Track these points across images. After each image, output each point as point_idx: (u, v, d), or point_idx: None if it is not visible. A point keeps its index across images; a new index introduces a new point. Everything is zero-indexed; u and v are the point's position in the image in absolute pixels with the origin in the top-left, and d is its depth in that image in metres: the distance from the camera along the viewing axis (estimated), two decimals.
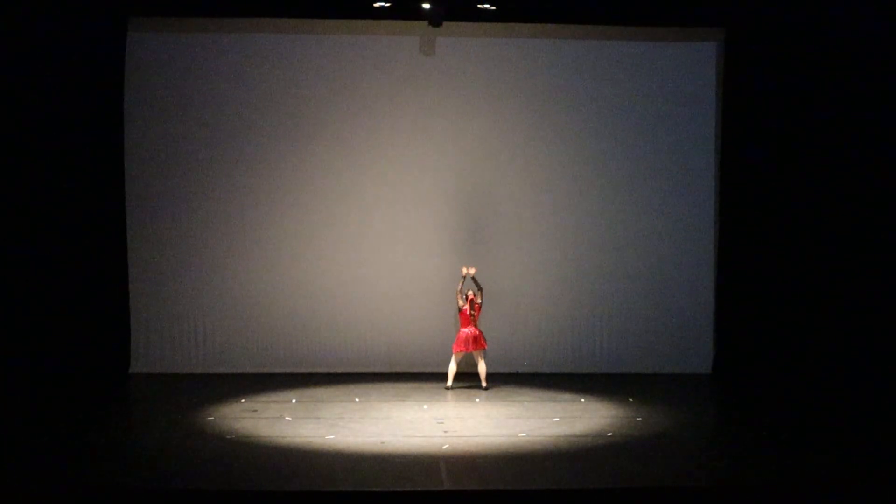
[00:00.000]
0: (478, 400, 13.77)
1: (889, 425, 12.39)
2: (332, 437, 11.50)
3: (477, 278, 14.62)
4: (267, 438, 11.43)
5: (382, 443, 11.24)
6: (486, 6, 14.36)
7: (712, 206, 15.97)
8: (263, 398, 13.66)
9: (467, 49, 15.85)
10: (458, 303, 14.51)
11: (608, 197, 15.94)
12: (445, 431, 11.81)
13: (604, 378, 15.33)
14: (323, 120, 15.74)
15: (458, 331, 14.55)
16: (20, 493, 9.41)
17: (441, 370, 14.73)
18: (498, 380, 14.93)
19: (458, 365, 14.52)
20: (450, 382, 14.45)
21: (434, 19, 14.31)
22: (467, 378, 14.74)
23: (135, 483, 9.80)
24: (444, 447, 11.10)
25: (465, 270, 14.57)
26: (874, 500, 9.58)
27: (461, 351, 14.43)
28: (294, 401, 13.53)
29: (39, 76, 14.92)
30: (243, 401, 13.48)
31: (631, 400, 13.64)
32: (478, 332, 14.45)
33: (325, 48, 15.74)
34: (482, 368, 14.47)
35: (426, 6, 14.25)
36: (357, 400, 13.65)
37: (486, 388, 14.33)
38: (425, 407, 13.25)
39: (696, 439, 11.83)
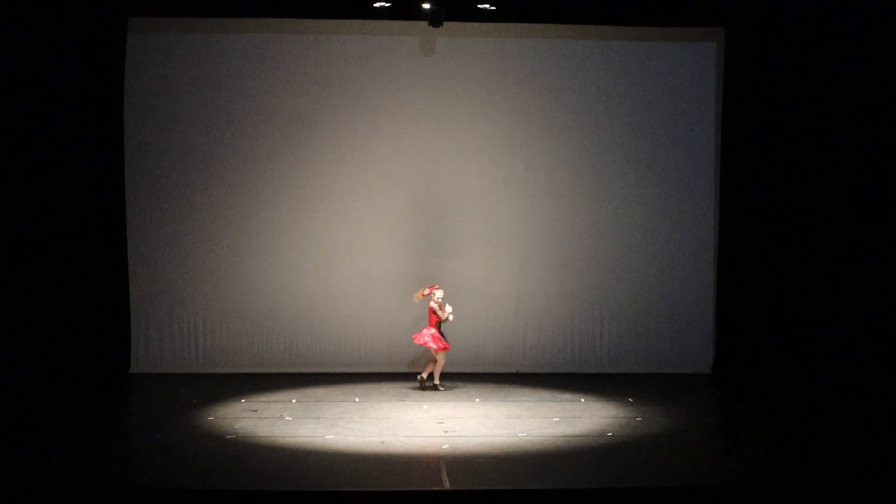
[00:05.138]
0: (478, 400, 13.78)
1: (889, 425, 12.39)
2: (332, 437, 11.51)
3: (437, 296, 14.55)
4: (267, 438, 11.44)
5: (382, 443, 11.24)
6: (486, 6, 14.36)
7: (712, 206, 15.99)
8: (263, 398, 13.67)
9: (467, 49, 15.85)
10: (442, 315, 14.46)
11: (608, 196, 15.94)
12: (445, 431, 11.81)
13: (604, 378, 15.34)
14: (323, 120, 15.74)
15: (431, 331, 14.45)
16: (20, 493, 9.41)
17: (444, 370, 14.69)
18: (498, 380, 14.92)
19: (429, 362, 14.52)
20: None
21: (434, 19, 14.31)
22: (465, 378, 14.74)
23: (135, 483, 9.80)
24: (444, 447, 11.11)
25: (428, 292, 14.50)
26: (874, 500, 9.58)
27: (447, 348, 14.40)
28: (294, 401, 13.54)
29: (39, 76, 14.91)
30: (243, 401, 13.49)
31: (631, 400, 13.64)
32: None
33: (325, 48, 15.74)
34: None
35: (426, 6, 14.26)
36: (357, 400, 13.65)
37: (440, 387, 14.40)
38: (425, 407, 13.25)
39: (696, 439, 11.83)
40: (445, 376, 14.62)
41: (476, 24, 15.55)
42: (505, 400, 13.75)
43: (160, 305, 15.62)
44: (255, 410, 12.93)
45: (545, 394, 14.14)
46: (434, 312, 14.31)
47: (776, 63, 15.39)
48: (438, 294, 14.37)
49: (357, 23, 15.58)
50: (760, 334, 15.53)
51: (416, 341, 14.43)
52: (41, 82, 14.92)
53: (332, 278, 15.76)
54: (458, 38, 15.77)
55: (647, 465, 10.46)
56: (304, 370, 15.51)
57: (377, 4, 14.34)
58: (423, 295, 14.39)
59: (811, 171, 15.36)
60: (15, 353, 14.66)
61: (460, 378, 14.80)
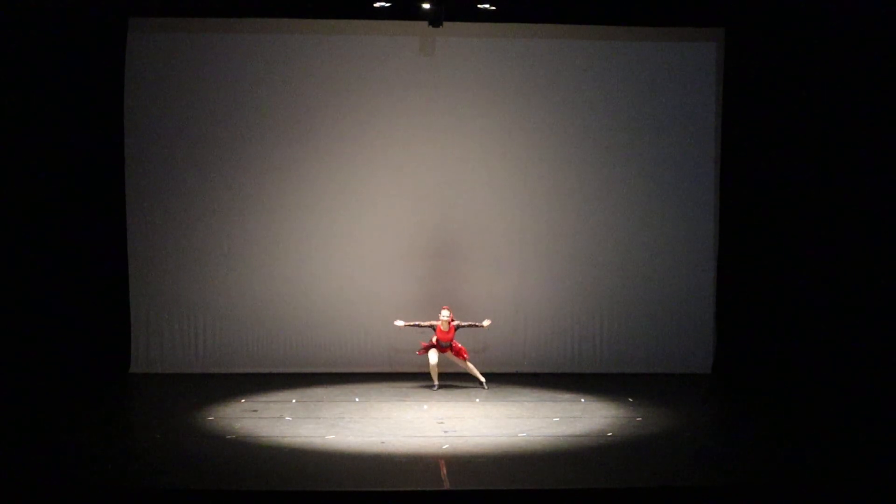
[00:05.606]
0: (478, 400, 13.78)
1: (889, 425, 12.39)
2: (332, 437, 11.50)
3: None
4: (267, 438, 11.43)
5: (382, 443, 11.24)
6: (486, 6, 14.37)
7: (712, 206, 15.98)
8: (263, 398, 13.67)
9: (467, 49, 15.84)
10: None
11: (608, 197, 15.94)
12: (445, 431, 11.81)
13: (604, 378, 15.33)
14: (323, 120, 15.74)
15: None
16: (20, 493, 9.41)
17: (441, 370, 14.69)
18: (498, 380, 14.92)
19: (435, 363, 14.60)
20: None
21: (434, 19, 14.32)
22: (465, 378, 14.73)
23: (135, 483, 9.80)
24: (444, 447, 11.11)
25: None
26: (874, 500, 9.58)
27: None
28: (294, 401, 13.53)
29: (39, 76, 14.92)
30: (243, 401, 13.48)
31: (631, 400, 13.64)
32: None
33: (325, 48, 15.74)
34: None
35: (426, 6, 14.26)
36: (357, 400, 13.65)
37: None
38: (425, 407, 13.25)
39: (696, 439, 11.83)
40: (446, 376, 14.63)
41: (476, 24, 15.55)
42: (505, 400, 13.75)
43: (160, 305, 15.62)
44: (255, 410, 12.93)
45: (545, 394, 14.14)
46: (443, 332, 14.38)
47: (776, 63, 15.39)
48: (444, 314, 14.44)
49: (357, 23, 15.58)
50: (760, 334, 15.54)
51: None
52: (41, 82, 14.94)
53: (332, 278, 15.76)
54: (458, 38, 15.76)
55: (647, 465, 10.46)
56: (304, 370, 15.50)
57: (377, 4, 14.34)
58: (450, 324, 14.45)
59: (811, 170, 15.37)
60: (15, 352, 14.69)
61: (461, 378, 14.80)
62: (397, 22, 15.32)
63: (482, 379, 14.50)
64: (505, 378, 15.13)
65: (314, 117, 15.73)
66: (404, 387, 14.56)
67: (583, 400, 13.72)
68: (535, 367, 15.77)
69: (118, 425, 12.42)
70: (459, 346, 14.55)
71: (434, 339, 14.48)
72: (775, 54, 15.39)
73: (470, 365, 14.55)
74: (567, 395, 14.00)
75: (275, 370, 15.47)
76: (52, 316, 15.00)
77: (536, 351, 15.89)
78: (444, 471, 10.21)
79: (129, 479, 9.94)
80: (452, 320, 14.48)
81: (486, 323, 14.63)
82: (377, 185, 15.80)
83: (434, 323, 14.49)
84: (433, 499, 9.47)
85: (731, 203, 15.75)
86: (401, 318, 14.80)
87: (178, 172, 15.62)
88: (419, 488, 9.60)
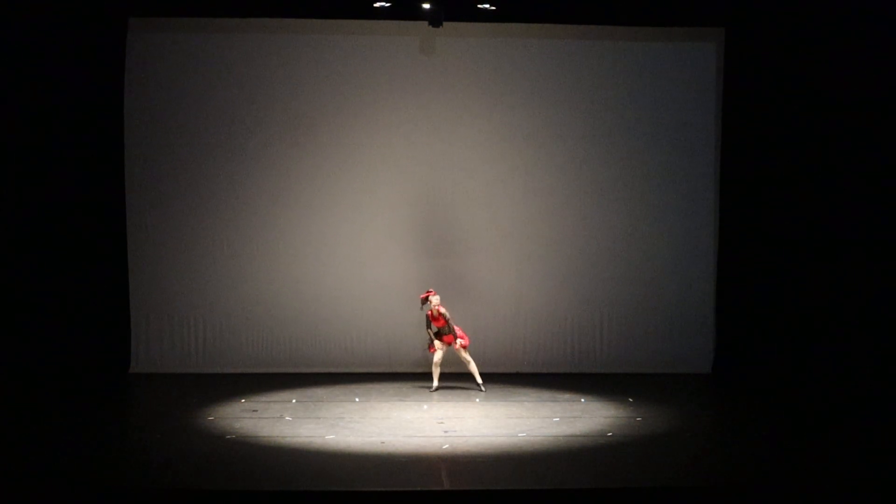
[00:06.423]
0: (478, 400, 13.78)
1: (889, 425, 12.39)
2: (332, 437, 11.50)
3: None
4: (267, 438, 11.44)
5: (382, 443, 11.24)
6: (486, 6, 14.38)
7: (712, 206, 15.97)
8: (263, 398, 13.67)
9: (467, 49, 15.84)
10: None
11: (608, 197, 15.93)
12: (445, 431, 11.81)
13: (604, 378, 15.33)
14: (323, 120, 15.74)
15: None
16: (20, 493, 9.41)
17: (442, 370, 14.67)
18: (498, 380, 14.92)
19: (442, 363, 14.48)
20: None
21: (434, 19, 14.32)
22: (465, 378, 14.74)
23: (135, 483, 9.80)
24: (444, 447, 11.11)
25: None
26: (874, 500, 9.58)
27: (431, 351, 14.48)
28: (294, 401, 13.54)
29: (40, 76, 14.93)
30: (243, 401, 13.49)
31: (631, 400, 13.64)
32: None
33: (325, 48, 15.75)
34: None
35: (426, 6, 14.27)
36: (357, 400, 13.65)
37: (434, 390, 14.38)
38: (425, 407, 13.25)
39: (696, 439, 11.83)
40: (446, 376, 14.62)
41: (476, 24, 15.55)
42: (505, 400, 13.75)
43: (160, 305, 15.62)
44: (255, 410, 12.93)
45: (545, 394, 14.13)
46: (434, 319, 14.27)
47: (776, 63, 15.40)
48: (435, 300, 14.33)
49: (357, 23, 15.58)
50: (760, 334, 15.54)
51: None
52: (41, 82, 14.94)
53: (332, 278, 15.76)
54: (458, 38, 15.76)
55: (647, 465, 10.46)
56: (304, 370, 15.50)
57: (377, 4, 14.35)
58: (421, 300, 14.35)
59: (811, 171, 15.38)
60: (15, 352, 14.70)
61: (460, 378, 14.79)
62: (397, 22, 15.32)
63: (480, 381, 14.45)
64: (505, 378, 15.13)
65: (314, 117, 15.73)
66: (404, 387, 14.56)
67: (583, 400, 13.72)
68: (535, 367, 15.75)
69: (118, 425, 12.42)
70: (459, 332, 14.31)
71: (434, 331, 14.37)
72: (775, 54, 15.39)
73: (468, 358, 14.36)
74: (567, 395, 14.00)
75: (275, 370, 15.47)
76: (52, 316, 15.01)
77: (536, 351, 15.89)
78: (443, 472, 10.22)
79: (129, 479, 9.94)
80: (437, 305, 14.25)
81: (458, 344, 14.33)
82: (377, 184, 15.80)
83: (426, 312, 14.32)
84: (433, 499, 9.47)
85: (731, 203, 15.74)
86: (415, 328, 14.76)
87: (179, 172, 15.62)
88: (419, 488, 9.60)
